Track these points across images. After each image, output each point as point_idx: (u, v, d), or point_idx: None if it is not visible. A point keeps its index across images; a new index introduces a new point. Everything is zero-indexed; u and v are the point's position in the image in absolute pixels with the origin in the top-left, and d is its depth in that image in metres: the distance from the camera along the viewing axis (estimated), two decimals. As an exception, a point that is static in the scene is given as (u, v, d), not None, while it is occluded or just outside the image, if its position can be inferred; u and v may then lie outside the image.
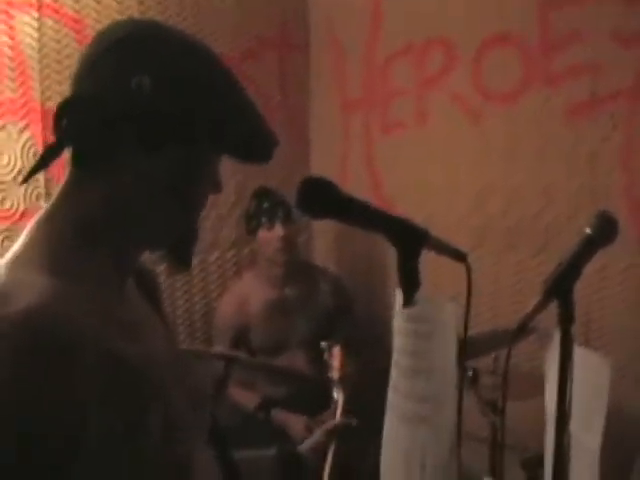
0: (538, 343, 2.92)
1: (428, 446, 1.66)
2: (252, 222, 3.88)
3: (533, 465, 2.78)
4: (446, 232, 1.60)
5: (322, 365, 3.94)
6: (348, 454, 2.10)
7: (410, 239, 1.48)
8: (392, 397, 1.77)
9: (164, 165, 1.30)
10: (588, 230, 1.67)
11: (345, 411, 2.21)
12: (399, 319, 1.69)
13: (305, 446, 2.03)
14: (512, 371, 1.83)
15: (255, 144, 1.38)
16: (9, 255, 1.24)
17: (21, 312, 1.09)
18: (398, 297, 1.60)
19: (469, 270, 1.55)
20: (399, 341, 1.71)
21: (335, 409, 2.29)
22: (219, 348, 3.77)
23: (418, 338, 1.65)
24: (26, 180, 1.40)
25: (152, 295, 1.54)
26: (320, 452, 2.07)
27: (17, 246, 1.26)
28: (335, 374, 2.28)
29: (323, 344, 2.46)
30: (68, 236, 1.27)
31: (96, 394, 1.12)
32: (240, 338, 3.89)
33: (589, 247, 1.66)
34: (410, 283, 1.48)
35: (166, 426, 1.27)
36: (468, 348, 1.63)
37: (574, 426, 1.69)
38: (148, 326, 1.39)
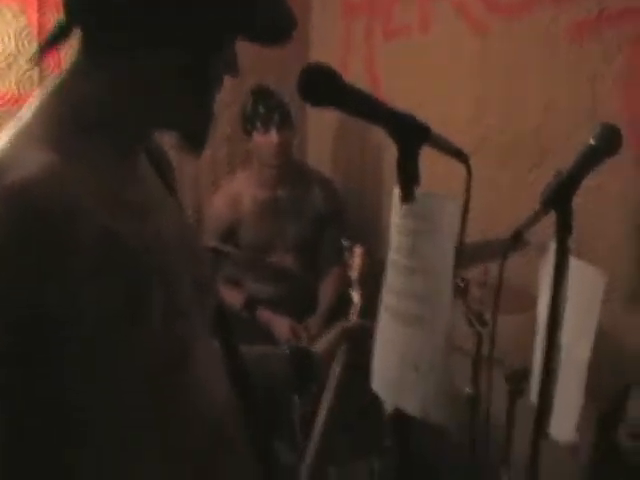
0: (533, 254, 2.94)
1: (423, 347, 1.64)
2: (247, 124, 3.85)
3: (517, 379, 2.79)
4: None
5: (310, 268, 3.98)
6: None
7: (412, 133, 1.44)
8: (387, 297, 1.75)
9: (177, 47, 1.26)
10: (591, 140, 1.64)
11: (360, 312, 2.20)
12: (397, 216, 1.66)
13: (318, 346, 2.03)
14: (502, 285, 1.83)
15: (273, 23, 1.34)
16: (9, 131, 1.21)
17: (17, 182, 1.08)
18: (395, 194, 1.57)
19: (469, 171, 1.52)
20: (396, 239, 1.67)
21: (352, 312, 2.28)
22: (209, 242, 3.76)
23: (417, 236, 1.62)
24: (35, 61, 1.37)
25: (166, 176, 1.53)
26: (332, 353, 2.07)
27: (18, 123, 1.23)
28: (354, 274, 2.27)
29: (345, 242, 2.45)
30: (73, 118, 1.25)
31: (90, 270, 1.11)
32: (229, 236, 3.88)
33: (591, 157, 1.63)
34: (410, 178, 1.44)
35: (168, 311, 1.26)
36: (461, 257, 1.61)
37: (564, 338, 1.68)
38: (160, 208, 1.38)
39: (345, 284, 2.43)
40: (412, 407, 1.72)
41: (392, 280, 1.71)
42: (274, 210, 3.94)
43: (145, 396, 1.25)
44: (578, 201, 1.60)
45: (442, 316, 1.60)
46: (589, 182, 1.65)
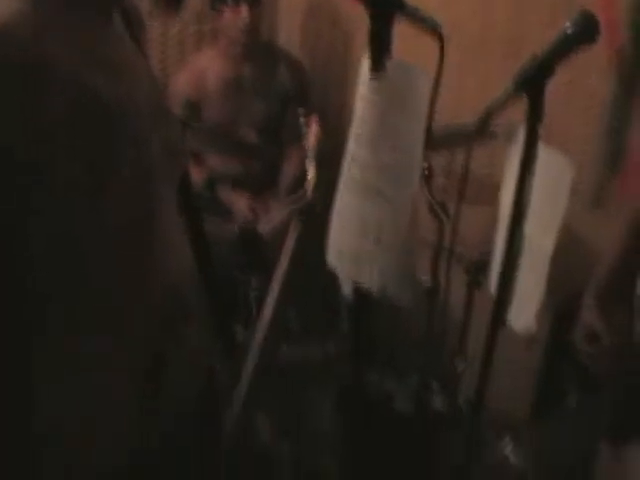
0: (500, 145, 2.90)
1: (385, 220, 1.60)
2: (217, 0, 3.75)
3: (476, 270, 2.77)
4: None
5: (273, 147, 3.94)
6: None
7: (385, 3, 1.39)
8: (350, 170, 1.69)
9: None
10: (568, 27, 1.57)
11: (314, 189, 2.17)
12: (364, 87, 1.59)
13: (267, 226, 2.02)
14: (468, 174, 1.79)
15: None
16: None
17: None
18: (364, 64, 1.51)
19: (442, 42, 1.48)
20: (363, 110, 1.61)
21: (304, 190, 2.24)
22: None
23: (385, 107, 1.55)
24: None
25: (139, 37, 1.45)
26: (281, 233, 2.07)
27: None
28: (309, 147, 2.22)
29: (300, 110, 2.39)
30: None
31: (63, 118, 1.06)
32: (193, 112, 3.82)
33: (568, 43, 1.56)
34: (381, 47, 1.40)
35: (137, 170, 1.21)
36: (429, 139, 1.56)
37: (528, 228, 1.64)
38: (132, 68, 1.31)
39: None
40: (370, 281, 1.68)
41: (356, 153, 1.65)
42: (239, 87, 3.85)
43: (109, 255, 1.21)
44: (548, 97, 1.54)
45: (408, 192, 1.56)
46: (561, 77, 1.59)
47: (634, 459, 2.12)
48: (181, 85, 3.85)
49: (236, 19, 3.71)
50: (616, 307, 2.08)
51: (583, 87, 3.32)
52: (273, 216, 2.05)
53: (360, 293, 1.79)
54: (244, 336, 1.92)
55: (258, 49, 3.89)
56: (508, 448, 2.58)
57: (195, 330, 1.45)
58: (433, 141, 1.61)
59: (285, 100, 3.92)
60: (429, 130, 1.53)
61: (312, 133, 2.23)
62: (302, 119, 2.38)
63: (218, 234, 1.85)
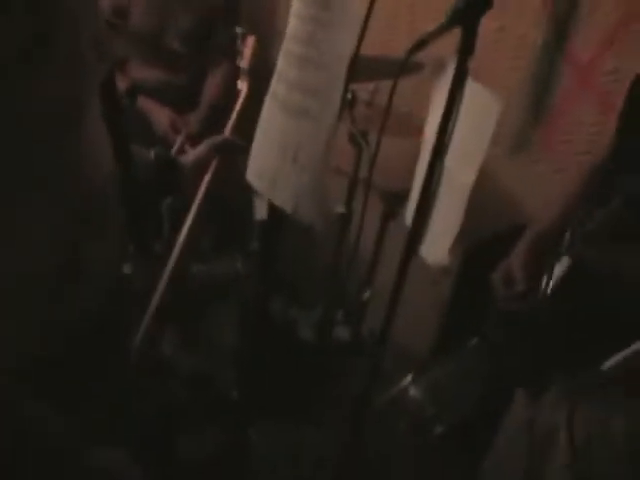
0: (424, 80, 2.88)
1: (304, 140, 1.58)
2: None
3: (393, 200, 2.76)
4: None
5: (199, 60, 3.84)
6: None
7: None
8: (276, 86, 1.66)
9: None
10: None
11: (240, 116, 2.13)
12: (298, 2, 1.56)
13: (187, 158, 1.98)
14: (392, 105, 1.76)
15: None
16: None
17: None
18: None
19: None
20: (294, 27, 1.58)
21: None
22: None
23: (316, 25, 1.52)
24: None
25: None
26: (201, 166, 2.04)
27: None
28: (244, 63, 2.18)
29: (238, 29, 2.33)
30: None
31: None
32: (120, 16, 3.67)
33: None
34: None
35: (71, 57, 1.19)
36: (355, 65, 1.54)
37: (450, 161, 1.63)
38: None
39: (234, 78, 2.34)
40: (284, 200, 1.67)
41: (284, 70, 1.62)
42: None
43: (38, 144, 1.19)
44: (477, 42, 1.51)
45: (330, 112, 1.53)
46: (493, 22, 1.57)
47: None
48: None
49: None
50: (542, 260, 2.10)
51: (513, 34, 3.31)
52: (197, 150, 2.01)
53: (274, 214, 1.77)
54: (158, 249, 1.89)
55: None
56: (408, 380, 2.59)
57: (112, 232, 1.44)
58: (360, 71, 1.59)
59: (214, 11, 3.81)
60: (356, 59, 1.51)
61: (249, 48, 2.18)
62: (239, 34, 2.32)
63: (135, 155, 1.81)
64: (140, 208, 1.65)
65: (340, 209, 2.92)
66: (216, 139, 2.10)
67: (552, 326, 2.01)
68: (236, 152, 2.05)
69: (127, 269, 1.63)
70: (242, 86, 2.25)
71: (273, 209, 1.95)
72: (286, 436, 2.92)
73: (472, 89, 1.60)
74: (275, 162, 1.67)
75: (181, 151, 3.20)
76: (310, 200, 1.61)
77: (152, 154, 1.88)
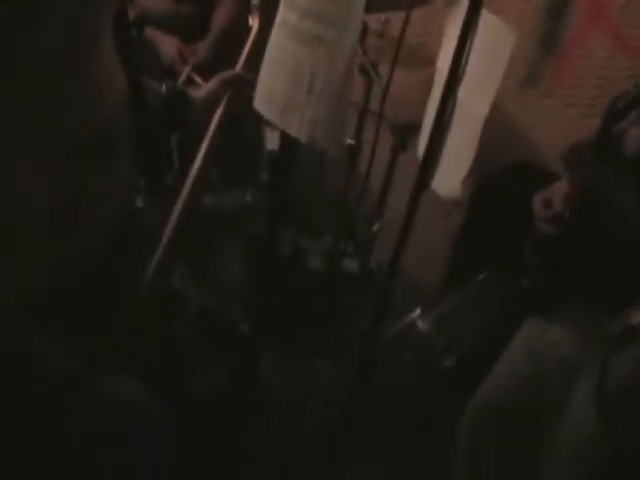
0: (436, 12, 2.85)
1: (320, 68, 1.56)
2: None
3: (403, 131, 2.74)
4: None
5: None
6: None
7: None
8: (286, 14, 1.64)
9: None
10: None
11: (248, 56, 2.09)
12: None
13: (199, 93, 1.96)
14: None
15: None
16: None
17: None
18: None
19: None
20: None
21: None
22: None
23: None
24: None
25: None
26: (212, 101, 2.01)
27: None
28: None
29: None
30: None
31: None
32: None
33: None
34: None
35: None
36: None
37: (464, 92, 1.61)
38: None
39: (244, 8, 2.31)
40: (298, 129, 1.66)
41: (296, -2, 1.61)
42: None
43: (43, 80, 1.19)
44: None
45: (347, 41, 1.51)
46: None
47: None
48: None
49: None
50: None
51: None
52: (208, 85, 1.98)
53: (285, 144, 1.76)
54: (169, 182, 1.88)
55: None
56: (417, 313, 2.61)
57: (122, 165, 1.44)
58: (371, 3, 1.57)
59: None
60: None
61: None
62: None
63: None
64: (151, 141, 1.64)
65: (349, 140, 2.90)
66: (227, 74, 2.07)
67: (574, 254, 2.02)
68: (247, 87, 2.03)
69: (139, 202, 1.63)
70: (253, 22, 2.23)
71: (284, 139, 1.93)
72: (295, 368, 2.94)
73: (486, 20, 1.58)
74: (287, 90, 1.66)
75: (189, 81, 3.16)
76: (327, 129, 1.60)
77: (163, 87, 1.86)
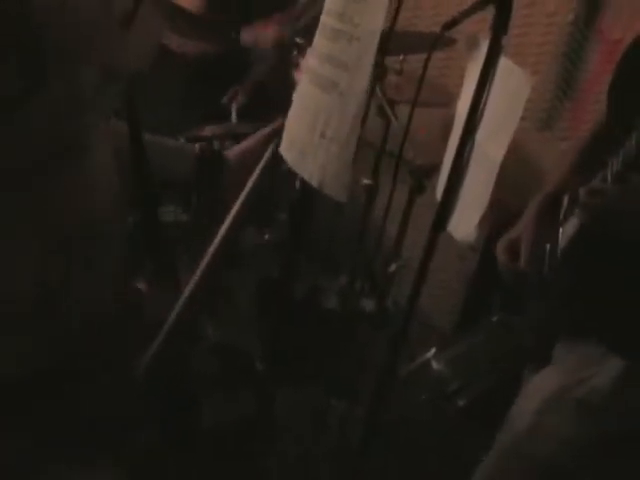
0: (454, 52, 2.88)
1: (333, 114, 1.60)
2: None
3: (421, 174, 2.76)
4: None
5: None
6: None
7: None
8: (310, 59, 1.69)
9: None
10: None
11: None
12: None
13: (233, 152, 1.94)
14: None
15: None
16: None
17: None
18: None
19: None
20: (330, 1, 1.60)
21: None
22: None
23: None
24: None
25: None
26: (248, 161, 1.97)
27: None
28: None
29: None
30: None
31: None
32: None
33: None
34: None
35: (68, 100, 1.18)
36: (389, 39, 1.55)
37: (481, 136, 1.64)
38: None
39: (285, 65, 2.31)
40: (311, 174, 1.69)
41: (318, 43, 1.64)
42: None
43: (29, 176, 1.19)
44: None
45: (359, 86, 1.54)
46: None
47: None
48: None
49: None
50: (545, 230, 2.11)
51: (543, 10, 3.32)
52: (244, 143, 1.95)
53: (304, 184, 1.78)
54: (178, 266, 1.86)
55: None
56: (432, 353, 2.62)
57: (108, 256, 1.44)
58: (393, 45, 1.60)
59: None
60: (390, 33, 1.52)
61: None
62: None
63: (177, 150, 1.79)
64: (158, 224, 1.65)
65: (367, 181, 2.92)
66: (264, 131, 2.04)
67: (563, 291, 2.03)
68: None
69: (141, 286, 1.63)
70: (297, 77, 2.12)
71: (303, 179, 1.95)
72: (310, 404, 2.95)
73: (504, 67, 1.61)
74: (304, 135, 1.69)
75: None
76: (337, 174, 1.62)
77: (197, 147, 1.86)
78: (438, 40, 1.64)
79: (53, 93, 1.14)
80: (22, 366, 1.30)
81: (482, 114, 1.57)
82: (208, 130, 3.17)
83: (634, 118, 1.86)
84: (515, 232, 2.17)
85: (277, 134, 1.98)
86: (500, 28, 1.53)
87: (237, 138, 2.99)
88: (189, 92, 3.49)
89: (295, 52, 3.02)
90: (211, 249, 1.83)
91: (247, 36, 3.34)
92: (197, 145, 1.87)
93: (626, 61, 2.09)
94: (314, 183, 1.68)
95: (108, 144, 1.40)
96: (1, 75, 1.06)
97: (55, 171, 1.23)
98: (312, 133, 1.66)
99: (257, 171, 1.95)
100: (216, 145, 2.68)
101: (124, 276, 1.55)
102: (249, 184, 1.93)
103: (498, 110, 1.63)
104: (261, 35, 3.32)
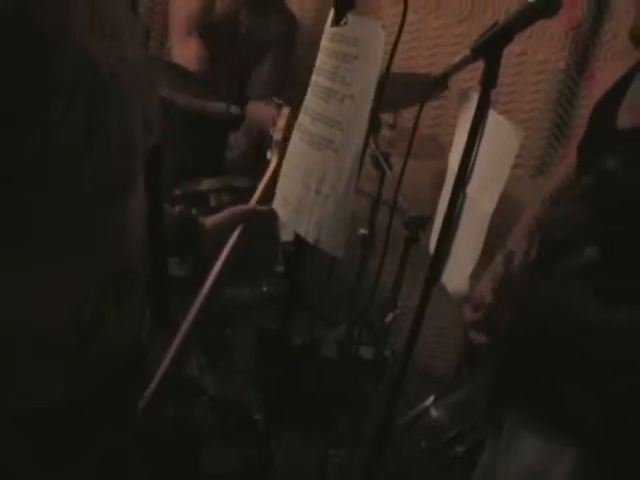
0: (446, 102, 2.93)
1: (328, 171, 1.62)
2: None
3: (416, 225, 2.80)
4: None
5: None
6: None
7: None
8: (302, 118, 1.71)
9: None
10: (530, -2, 1.59)
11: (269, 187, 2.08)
12: (325, 38, 1.62)
13: (210, 221, 1.97)
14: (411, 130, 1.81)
15: None
16: None
17: None
18: (329, 17, 1.53)
19: (406, 7, 1.50)
20: (321, 61, 1.64)
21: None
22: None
23: (341, 59, 1.58)
24: None
25: None
26: (223, 231, 1.98)
27: None
28: (277, 135, 2.16)
29: (276, 100, 2.35)
30: None
31: (63, 86, 1.08)
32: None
33: (528, 14, 1.59)
34: (344, 0, 1.41)
35: (120, 142, 1.22)
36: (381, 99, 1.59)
37: (472, 188, 1.68)
38: (127, 29, 1.28)
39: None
40: (307, 231, 1.72)
41: (310, 102, 1.68)
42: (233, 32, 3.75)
43: (82, 218, 1.22)
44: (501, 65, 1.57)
45: (354, 144, 1.57)
46: (514, 47, 1.61)
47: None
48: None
49: None
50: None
51: (535, 58, 3.36)
52: (220, 214, 1.99)
53: (299, 236, 1.80)
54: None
55: None
56: (430, 401, 2.63)
57: (138, 298, 1.46)
58: (385, 100, 1.64)
59: (268, 50, 3.87)
60: (382, 92, 1.55)
61: (283, 119, 2.15)
62: (276, 102, 2.34)
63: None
64: (163, 274, 1.68)
65: (362, 231, 2.95)
66: (239, 208, 2.06)
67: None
68: (261, 222, 2.03)
69: (143, 336, 1.64)
70: (272, 157, 2.16)
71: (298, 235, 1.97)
72: (309, 454, 2.95)
73: (494, 121, 1.65)
74: (299, 191, 1.72)
75: None
76: (333, 230, 1.65)
77: (177, 210, 1.89)
78: (429, 93, 1.68)
79: (111, 138, 1.19)
80: (54, 401, 1.32)
81: (473, 168, 1.61)
82: (205, 184, 3.22)
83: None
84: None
85: (253, 212, 2.04)
86: (489, 82, 1.56)
87: (234, 192, 3.06)
88: (188, 146, 3.53)
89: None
90: (193, 309, 1.86)
91: (252, 108, 3.41)
92: (176, 208, 1.90)
93: (592, 119, 2.14)
94: (310, 240, 1.70)
95: (142, 192, 1.44)
96: (69, 120, 1.11)
97: (102, 214, 1.26)
98: (306, 190, 1.69)
99: (231, 243, 1.98)
100: (213, 200, 2.72)
101: (141, 321, 1.59)
102: (225, 251, 1.97)
103: (489, 164, 1.66)
104: (264, 114, 3.38)
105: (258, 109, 3.50)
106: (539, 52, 3.35)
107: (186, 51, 3.59)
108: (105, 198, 1.25)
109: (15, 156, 1.08)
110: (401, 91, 2.84)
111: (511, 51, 1.58)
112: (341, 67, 1.59)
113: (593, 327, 1.85)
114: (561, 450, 1.93)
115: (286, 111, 2.10)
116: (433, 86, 1.65)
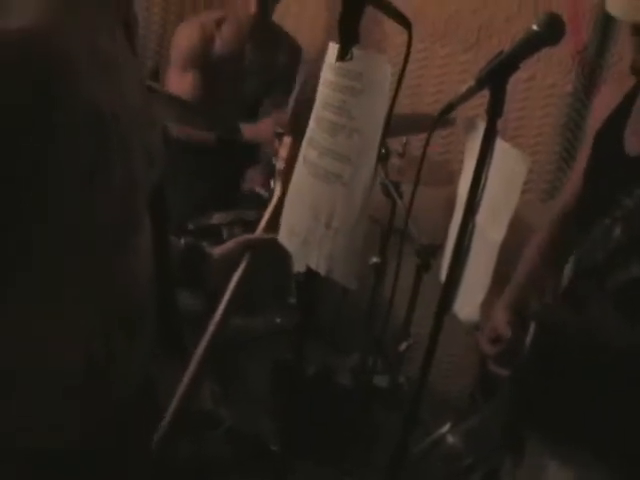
0: (455, 130, 2.94)
1: (338, 205, 1.63)
2: None
3: (427, 253, 2.81)
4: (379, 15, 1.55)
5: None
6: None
7: None
8: (307, 151, 1.71)
9: None
10: (535, 26, 1.61)
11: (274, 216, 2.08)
12: (329, 72, 1.63)
13: (217, 251, 1.99)
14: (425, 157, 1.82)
15: None
16: None
17: (15, 32, 1.04)
18: (330, 50, 1.55)
19: (410, 38, 1.51)
20: (326, 95, 1.64)
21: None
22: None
23: (347, 94, 1.59)
24: None
25: (131, 30, 1.44)
26: (230, 261, 2.01)
27: None
28: (280, 164, 2.18)
29: (277, 128, 2.38)
30: None
31: (67, 127, 1.10)
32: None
33: (533, 42, 1.60)
34: (349, 35, 1.42)
35: (125, 183, 1.23)
36: (389, 124, 1.59)
37: (481, 217, 1.68)
38: (126, 69, 1.30)
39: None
40: (317, 263, 1.72)
41: (316, 135, 1.68)
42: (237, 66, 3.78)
43: (88, 256, 1.22)
44: (508, 89, 1.58)
45: (364, 178, 1.58)
46: (521, 73, 1.63)
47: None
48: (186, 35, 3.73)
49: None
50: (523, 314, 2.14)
51: (542, 83, 3.38)
52: (226, 245, 2.00)
53: (310, 271, 1.81)
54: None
55: (264, 28, 3.80)
56: (446, 428, 2.62)
57: (147, 333, 1.47)
58: (392, 128, 1.64)
59: (274, 82, 3.89)
60: (389, 118, 1.56)
61: (285, 148, 2.16)
62: (277, 132, 2.37)
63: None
64: (174, 305, 1.69)
65: (374, 259, 2.97)
66: (244, 238, 2.09)
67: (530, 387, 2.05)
68: (267, 251, 2.04)
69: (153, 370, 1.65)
70: (276, 186, 2.16)
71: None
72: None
73: (501, 149, 1.66)
74: (307, 224, 1.71)
75: None
76: (344, 262, 1.65)
77: (182, 242, 1.90)
78: (436, 124, 1.69)
79: (113, 177, 1.20)
80: (66, 439, 1.32)
81: (481, 197, 1.62)
82: (217, 218, 3.23)
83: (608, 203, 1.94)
84: (494, 321, 2.19)
85: (259, 241, 2.07)
86: (495, 112, 1.58)
87: (246, 225, 3.07)
88: (195, 179, 3.55)
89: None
90: (204, 339, 1.88)
91: (249, 132, 3.42)
92: (182, 240, 1.91)
93: (598, 144, 2.16)
94: (321, 272, 1.70)
95: (148, 227, 1.45)
96: (70, 162, 1.12)
97: (108, 252, 1.27)
98: (315, 223, 1.69)
99: (238, 273, 2.00)
100: (225, 233, 2.72)
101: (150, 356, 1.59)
102: (233, 281, 1.98)
103: (497, 192, 1.67)
104: (262, 131, 3.40)
105: (257, 128, 3.52)
106: (547, 77, 3.37)
107: (182, 85, 3.62)
108: (110, 236, 1.25)
109: (19, 199, 1.09)
110: (407, 129, 2.87)
111: (519, 77, 1.60)
112: (347, 101, 1.60)
113: (622, 352, 1.86)
114: (587, 477, 1.93)
115: (288, 139, 2.12)
116: (439, 118, 1.65)
